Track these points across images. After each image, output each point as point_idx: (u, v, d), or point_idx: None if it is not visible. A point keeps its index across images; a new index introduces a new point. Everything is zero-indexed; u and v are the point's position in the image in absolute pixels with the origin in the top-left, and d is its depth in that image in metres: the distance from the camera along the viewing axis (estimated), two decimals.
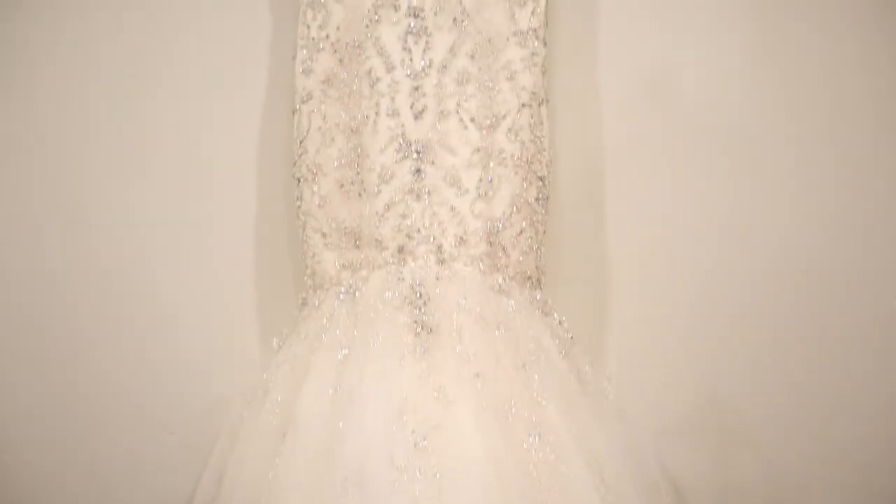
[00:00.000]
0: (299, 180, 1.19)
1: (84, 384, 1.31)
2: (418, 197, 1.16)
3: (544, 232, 1.19)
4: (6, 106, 1.31)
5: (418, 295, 1.12)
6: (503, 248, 1.15)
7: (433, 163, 1.16)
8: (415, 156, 1.16)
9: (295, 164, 1.19)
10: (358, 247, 1.17)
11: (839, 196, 1.30)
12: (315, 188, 1.18)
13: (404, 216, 1.16)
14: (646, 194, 1.32)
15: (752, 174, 1.31)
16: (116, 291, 1.32)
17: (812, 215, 1.30)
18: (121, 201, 1.33)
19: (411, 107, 1.16)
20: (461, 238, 1.15)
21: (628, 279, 1.33)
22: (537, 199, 1.17)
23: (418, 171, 1.16)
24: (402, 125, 1.16)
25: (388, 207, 1.16)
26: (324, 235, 1.18)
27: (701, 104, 1.31)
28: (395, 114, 1.17)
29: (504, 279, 1.15)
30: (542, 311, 1.17)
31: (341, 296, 1.16)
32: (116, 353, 1.31)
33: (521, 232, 1.15)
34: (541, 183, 1.17)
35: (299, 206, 1.19)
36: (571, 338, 1.19)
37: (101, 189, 1.33)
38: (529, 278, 1.18)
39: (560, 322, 1.19)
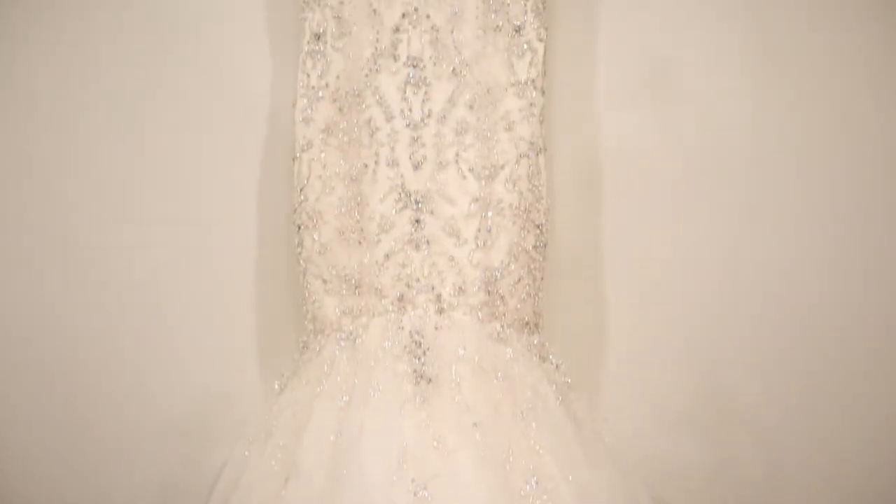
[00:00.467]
0: (300, 227, 1.20)
1: (89, 425, 1.33)
2: (417, 247, 1.18)
3: (542, 278, 1.21)
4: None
5: (418, 344, 1.14)
6: (501, 297, 1.17)
7: (432, 213, 1.18)
8: (414, 206, 1.18)
9: (295, 210, 1.20)
10: (358, 293, 1.19)
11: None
12: (315, 235, 1.19)
13: (404, 265, 1.18)
14: (643, 227, 1.35)
15: (752, 219, 1.33)
16: (119, 336, 1.33)
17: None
18: (122, 240, 1.35)
19: (411, 157, 1.18)
20: (460, 288, 1.17)
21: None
22: (535, 247, 1.18)
23: (417, 221, 1.17)
24: (402, 175, 1.18)
25: (387, 257, 1.18)
26: (324, 282, 1.19)
27: (702, 149, 1.33)
28: (394, 164, 1.18)
29: (502, 326, 1.17)
30: (539, 357, 1.19)
31: (342, 342, 1.18)
32: (117, 405, 1.33)
33: (519, 280, 1.17)
34: (538, 231, 1.18)
35: (300, 253, 1.20)
36: (568, 381, 1.21)
37: (101, 234, 1.34)
38: (527, 324, 1.19)
39: (557, 366, 1.21)
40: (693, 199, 1.34)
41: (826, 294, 1.32)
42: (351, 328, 1.18)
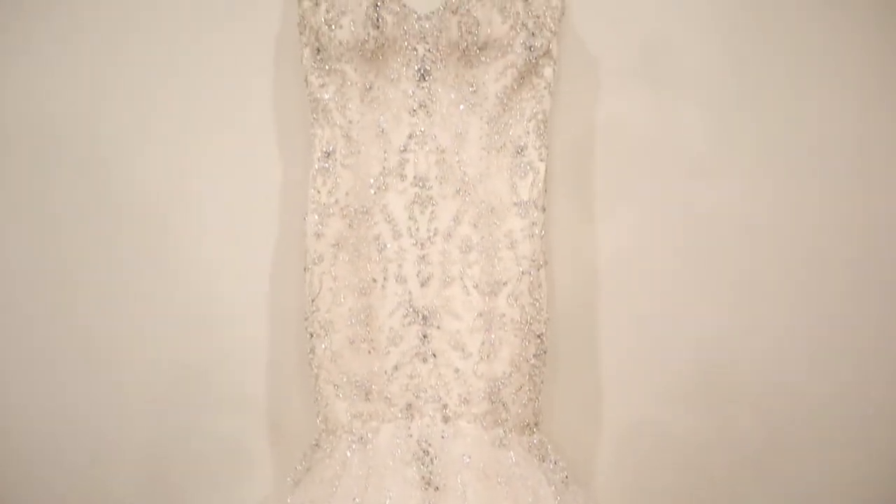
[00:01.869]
0: (312, 335, 1.25)
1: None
2: (425, 360, 1.24)
3: (542, 381, 1.27)
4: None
5: (426, 452, 1.21)
6: (504, 405, 1.23)
7: (439, 327, 1.24)
8: (422, 321, 1.24)
9: (307, 318, 1.26)
10: (368, 400, 1.25)
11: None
12: (327, 343, 1.25)
13: (412, 377, 1.24)
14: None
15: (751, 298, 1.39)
16: (139, 424, 1.41)
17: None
18: (130, 340, 1.41)
19: (418, 274, 1.23)
20: (465, 398, 1.23)
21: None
22: (535, 355, 1.25)
23: (425, 336, 1.24)
24: (410, 292, 1.23)
25: (396, 368, 1.24)
26: (336, 387, 1.25)
27: (697, 235, 1.38)
28: (402, 280, 1.23)
29: (504, 432, 1.24)
30: (539, 457, 1.26)
31: (353, 445, 1.24)
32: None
33: (521, 388, 1.24)
34: (539, 340, 1.25)
35: (311, 359, 1.26)
36: (566, 477, 1.28)
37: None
38: (528, 425, 1.26)
39: (555, 463, 1.28)
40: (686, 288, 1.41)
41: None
42: (361, 432, 1.25)
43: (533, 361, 1.24)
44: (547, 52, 1.21)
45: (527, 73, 1.21)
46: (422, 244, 1.23)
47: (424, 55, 1.21)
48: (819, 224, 1.37)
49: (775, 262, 1.38)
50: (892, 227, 1.37)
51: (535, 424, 1.28)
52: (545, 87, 1.22)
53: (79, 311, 1.41)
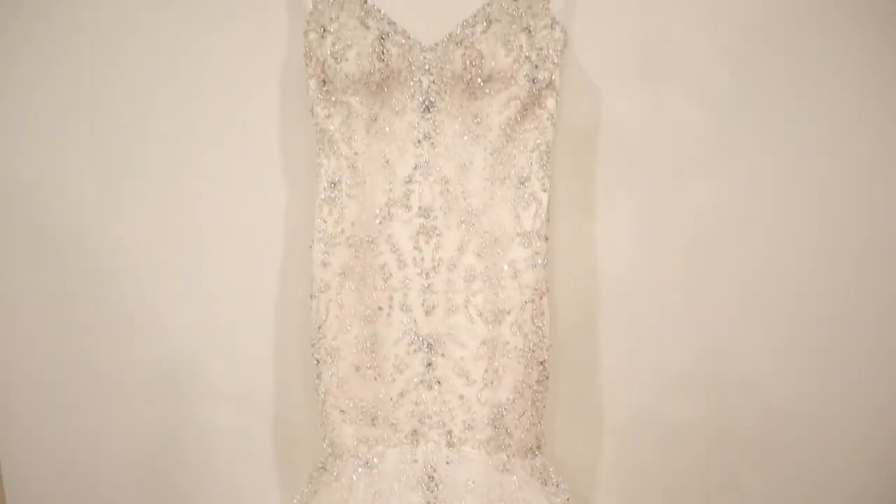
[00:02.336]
0: (318, 361, 1.28)
1: None
2: (430, 387, 1.26)
3: (544, 406, 1.30)
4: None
5: (431, 478, 1.24)
6: (507, 430, 1.26)
7: (443, 355, 1.26)
8: (426, 349, 1.26)
9: (313, 345, 1.28)
10: (374, 425, 1.28)
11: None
12: (333, 369, 1.27)
13: (417, 403, 1.27)
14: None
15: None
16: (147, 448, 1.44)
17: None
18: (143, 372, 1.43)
19: (423, 303, 1.25)
20: (469, 424, 1.26)
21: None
22: (538, 381, 1.27)
23: (430, 364, 1.26)
24: (415, 321, 1.26)
25: (402, 395, 1.27)
26: (342, 412, 1.28)
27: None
28: (407, 309, 1.26)
29: (508, 456, 1.27)
30: (542, 480, 1.29)
31: (359, 469, 1.27)
32: None
33: (524, 413, 1.26)
34: (541, 367, 1.27)
35: (318, 384, 1.28)
36: (568, 499, 1.31)
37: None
38: (531, 449, 1.29)
39: (557, 485, 1.31)
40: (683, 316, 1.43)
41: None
42: (367, 456, 1.27)
43: (535, 387, 1.27)
44: (550, 84, 1.22)
45: (530, 105, 1.23)
46: (427, 274, 1.25)
47: (429, 87, 1.22)
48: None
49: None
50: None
51: (538, 448, 1.30)
52: (548, 119, 1.23)
53: (84, 342, 1.45)
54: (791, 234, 1.39)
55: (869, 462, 1.44)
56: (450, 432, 1.26)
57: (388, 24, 1.21)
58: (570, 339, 1.41)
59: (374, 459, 1.27)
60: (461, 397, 1.26)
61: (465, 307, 1.25)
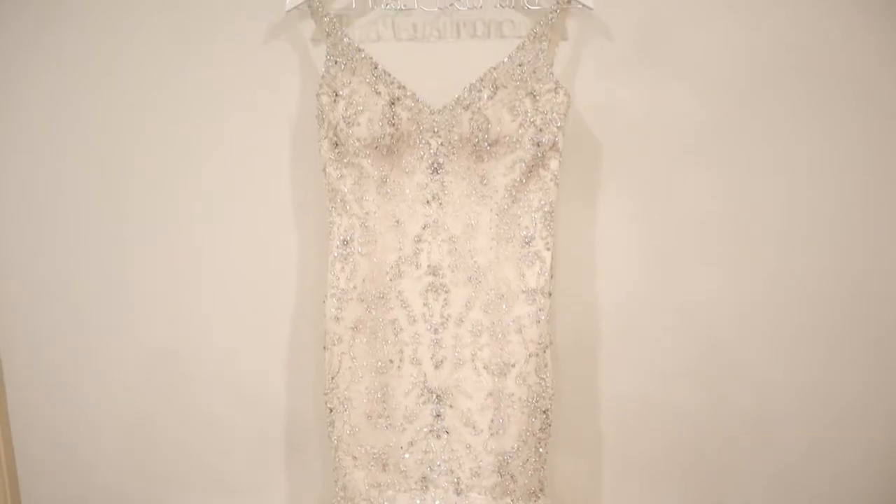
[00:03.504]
0: (331, 410, 1.34)
1: None
2: (438, 436, 1.32)
3: (546, 452, 1.35)
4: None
5: None
6: (512, 476, 1.32)
7: (451, 406, 1.32)
8: (435, 400, 1.32)
9: (326, 394, 1.34)
10: (385, 470, 1.34)
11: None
12: (346, 418, 1.33)
13: (426, 452, 1.32)
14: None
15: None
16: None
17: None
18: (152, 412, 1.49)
19: (432, 357, 1.31)
20: (476, 472, 1.32)
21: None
22: (541, 429, 1.33)
23: (438, 414, 1.32)
24: (424, 374, 1.31)
25: (412, 444, 1.32)
26: (354, 458, 1.34)
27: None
28: (417, 362, 1.31)
29: (512, 501, 1.33)
30: None
31: None
32: None
33: (528, 460, 1.32)
34: (545, 416, 1.33)
35: (331, 432, 1.34)
36: None
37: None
38: (534, 492, 1.35)
39: None
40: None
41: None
42: (378, 500, 1.34)
43: (539, 435, 1.32)
44: (553, 146, 1.27)
45: (534, 167, 1.27)
46: (435, 329, 1.30)
47: (437, 149, 1.27)
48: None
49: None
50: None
51: (541, 490, 1.36)
52: (551, 179, 1.28)
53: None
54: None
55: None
56: (458, 479, 1.32)
57: (398, 88, 1.25)
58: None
59: (385, 503, 1.33)
60: (468, 446, 1.32)
61: (472, 361, 1.31)
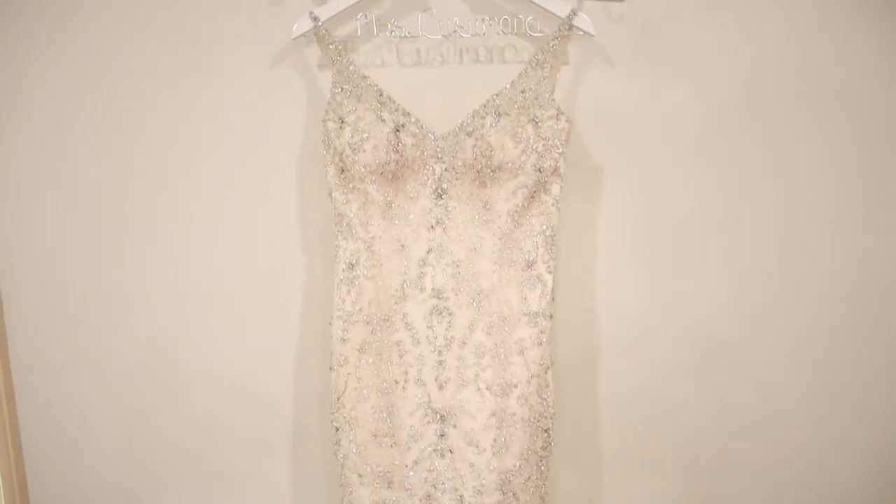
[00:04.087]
0: (337, 429, 1.36)
1: None
2: (442, 455, 1.35)
3: (548, 469, 1.39)
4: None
5: None
6: (514, 494, 1.35)
7: (455, 426, 1.35)
8: (439, 420, 1.35)
9: (332, 413, 1.37)
10: (390, 488, 1.37)
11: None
12: (352, 437, 1.36)
13: (430, 470, 1.35)
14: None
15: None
16: None
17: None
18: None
19: (436, 378, 1.34)
20: (479, 490, 1.35)
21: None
22: (543, 447, 1.36)
23: (442, 434, 1.35)
24: (428, 395, 1.34)
25: (416, 462, 1.35)
26: (360, 476, 1.37)
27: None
28: (421, 383, 1.34)
29: None
30: None
31: None
32: None
33: (529, 478, 1.35)
34: (546, 434, 1.36)
35: (337, 450, 1.37)
36: None
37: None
38: None
39: None
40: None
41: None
42: None
43: (541, 453, 1.36)
44: (555, 171, 1.30)
45: (536, 192, 1.30)
46: (439, 351, 1.33)
47: (441, 175, 1.30)
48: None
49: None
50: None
51: None
52: (553, 204, 1.31)
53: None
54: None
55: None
56: (461, 497, 1.35)
57: (403, 115, 1.28)
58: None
59: None
60: (472, 465, 1.35)
61: (476, 381, 1.34)
